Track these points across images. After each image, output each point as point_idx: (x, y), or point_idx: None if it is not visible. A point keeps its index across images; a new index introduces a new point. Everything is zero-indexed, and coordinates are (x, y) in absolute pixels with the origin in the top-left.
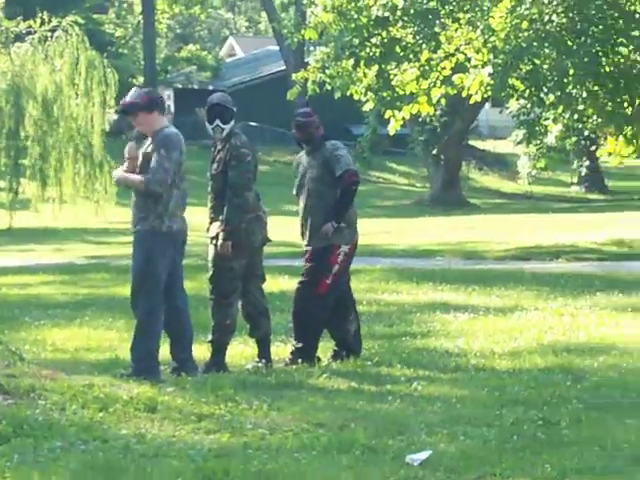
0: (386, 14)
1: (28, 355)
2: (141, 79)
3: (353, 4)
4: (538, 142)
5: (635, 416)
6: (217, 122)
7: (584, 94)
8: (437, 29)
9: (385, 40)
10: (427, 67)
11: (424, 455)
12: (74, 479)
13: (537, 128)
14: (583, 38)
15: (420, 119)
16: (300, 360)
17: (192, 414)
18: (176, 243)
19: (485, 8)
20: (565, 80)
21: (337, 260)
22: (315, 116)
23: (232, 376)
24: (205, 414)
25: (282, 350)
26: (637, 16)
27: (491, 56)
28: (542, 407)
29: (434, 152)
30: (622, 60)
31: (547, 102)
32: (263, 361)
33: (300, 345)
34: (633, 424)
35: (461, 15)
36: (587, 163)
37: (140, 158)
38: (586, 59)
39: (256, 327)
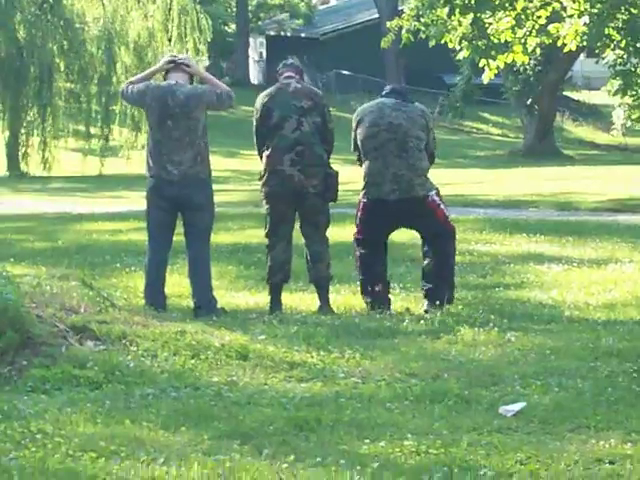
0: None
1: (119, 301)
2: (233, 26)
3: None
4: (634, 93)
5: None
6: None
7: None
8: None
9: None
10: (522, 16)
11: (518, 406)
12: (165, 426)
13: (633, 79)
14: None
15: (514, 69)
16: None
17: (284, 362)
18: None
19: None
20: None
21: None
22: None
23: (325, 325)
24: (297, 362)
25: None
26: None
27: (587, 5)
28: (637, 360)
29: (528, 102)
30: None
31: None
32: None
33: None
34: None
35: None
36: None
37: None
38: None
39: None
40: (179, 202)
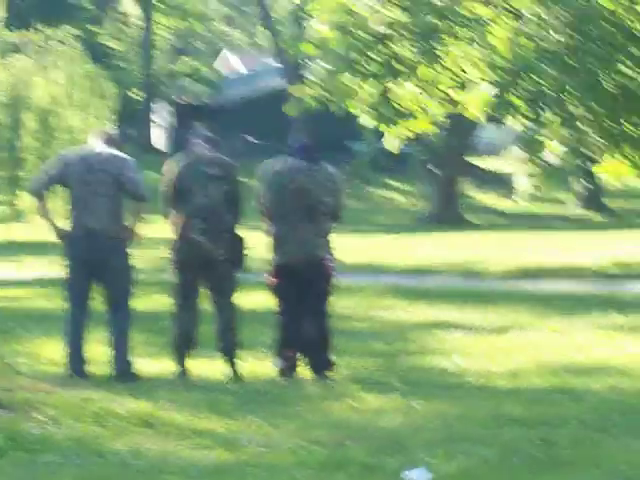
0: (386, 31)
1: (23, 368)
2: (139, 93)
3: (352, 18)
4: (536, 160)
5: (634, 437)
6: None
7: (584, 113)
8: (436, 45)
9: (384, 56)
10: (426, 83)
11: (422, 474)
12: None
13: (535, 146)
14: (583, 56)
15: (418, 136)
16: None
17: (189, 430)
18: None
19: (483, 24)
20: (565, 98)
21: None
22: None
23: (229, 392)
24: (202, 430)
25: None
26: (638, 34)
27: (491, 73)
28: (540, 427)
29: (432, 169)
30: (623, 79)
31: (546, 120)
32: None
33: None
34: (632, 445)
35: (460, 31)
36: (586, 182)
37: None
38: (586, 77)
39: None
40: (94, 264)
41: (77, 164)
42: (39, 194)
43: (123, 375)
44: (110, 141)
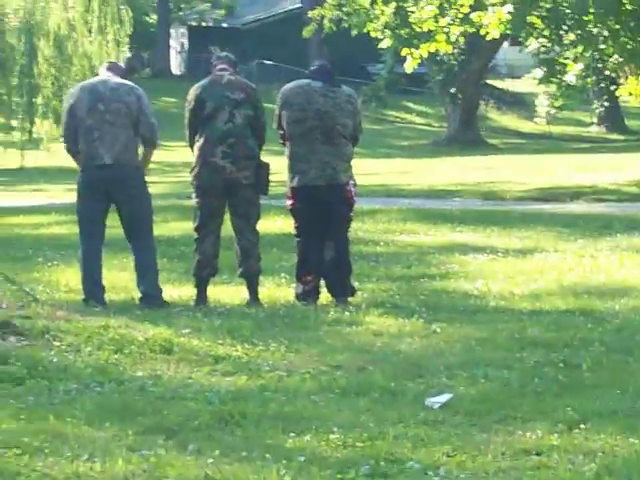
0: None
1: (42, 296)
2: (155, 17)
3: None
4: (557, 81)
5: None
6: None
7: (605, 33)
8: None
9: None
10: (445, 4)
11: (444, 398)
12: (89, 421)
13: (556, 67)
14: None
15: (438, 58)
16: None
17: (208, 356)
18: None
19: None
20: (586, 18)
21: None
22: None
23: (249, 317)
24: (221, 356)
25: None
26: None
27: None
28: (563, 350)
29: (452, 91)
30: None
31: (567, 41)
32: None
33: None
34: None
35: None
36: (607, 103)
37: None
38: None
39: None
40: (109, 192)
41: (84, 95)
42: (72, 149)
43: (153, 299)
44: (115, 69)
